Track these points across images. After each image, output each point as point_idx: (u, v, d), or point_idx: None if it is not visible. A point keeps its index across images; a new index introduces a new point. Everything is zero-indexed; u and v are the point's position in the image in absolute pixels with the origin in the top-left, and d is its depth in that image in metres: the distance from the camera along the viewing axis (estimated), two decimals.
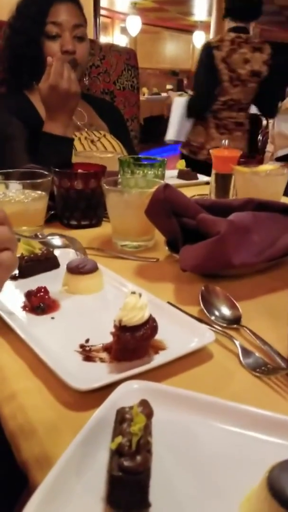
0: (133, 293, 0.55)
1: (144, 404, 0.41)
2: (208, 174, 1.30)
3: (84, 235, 0.98)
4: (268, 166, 1.12)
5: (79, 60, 1.35)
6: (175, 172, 1.57)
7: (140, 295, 0.55)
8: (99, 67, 1.89)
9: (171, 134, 3.10)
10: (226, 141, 1.17)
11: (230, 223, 0.73)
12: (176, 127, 2.91)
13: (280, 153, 2.86)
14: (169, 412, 0.44)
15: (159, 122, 5.01)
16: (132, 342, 0.52)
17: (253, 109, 3.26)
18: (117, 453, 0.36)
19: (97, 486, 0.36)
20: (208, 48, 2.31)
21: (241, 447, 0.41)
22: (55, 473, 0.35)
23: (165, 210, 0.78)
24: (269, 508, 0.33)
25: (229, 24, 2.38)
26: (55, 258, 0.78)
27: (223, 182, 1.18)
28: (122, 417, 0.39)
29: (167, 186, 0.78)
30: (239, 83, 2.33)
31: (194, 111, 2.46)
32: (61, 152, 1.21)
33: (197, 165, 1.75)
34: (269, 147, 3.16)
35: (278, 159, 2.79)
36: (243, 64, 2.30)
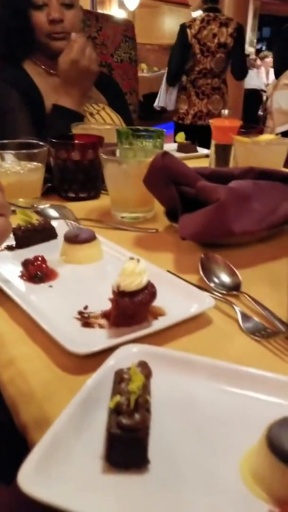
0: (131, 259, 0.54)
1: (143, 365, 0.41)
2: (196, 136, 1.31)
3: (82, 208, 0.96)
4: (268, 136, 1.10)
5: (68, 29, 1.32)
6: (174, 146, 1.54)
7: (138, 260, 0.54)
8: (95, 39, 1.84)
9: (158, 100, 3.57)
10: (226, 111, 1.15)
11: (230, 190, 0.71)
12: (163, 95, 3.32)
13: (279, 129, 2.82)
14: (168, 374, 0.44)
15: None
16: (131, 307, 0.52)
17: (252, 85, 3.49)
18: (116, 411, 0.35)
19: (96, 444, 0.36)
20: (182, 28, 2.85)
21: (240, 407, 0.41)
22: (53, 431, 0.35)
23: (164, 178, 0.77)
24: (269, 464, 0.33)
25: (203, 5, 2.89)
26: (52, 229, 0.77)
27: (223, 153, 1.16)
28: (120, 378, 0.39)
29: (165, 153, 0.77)
30: (209, 54, 2.86)
31: (170, 80, 3.04)
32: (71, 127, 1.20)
33: (185, 129, 2.26)
34: (269, 123, 3.12)
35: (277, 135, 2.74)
36: (212, 38, 2.84)
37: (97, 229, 0.81)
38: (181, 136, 1.56)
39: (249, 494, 0.33)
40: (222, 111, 1.15)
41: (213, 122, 1.18)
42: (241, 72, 3.15)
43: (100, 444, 0.36)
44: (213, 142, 1.19)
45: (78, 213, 0.89)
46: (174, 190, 0.76)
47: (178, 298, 0.59)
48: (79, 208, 0.94)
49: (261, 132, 1.14)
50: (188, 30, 2.81)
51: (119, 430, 0.34)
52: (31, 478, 0.31)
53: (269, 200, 0.78)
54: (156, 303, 0.56)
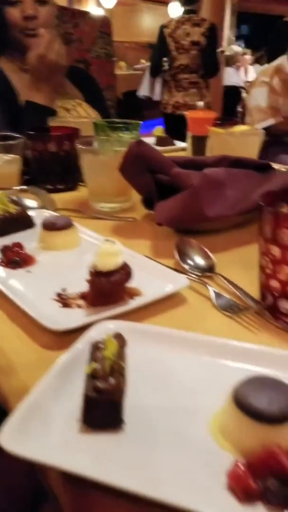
0: (107, 240, 0.56)
1: (118, 336, 0.43)
2: (175, 124, 1.34)
3: (60, 199, 0.98)
4: (243, 127, 1.13)
5: (41, 25, 1.33)
6: (152, 139, 1.56)
7: (114, 242, 0.56)
8: (72, 35, 1.85)
9: (142, 90, 4.13)
10: (202, 102, 1.17)
11: (204, 176, 0.74)
12: (146, 84, 3.90)
13: (258, 126, 2.87)
14: (143, 345, 0.46)
15: (135, 98, 4.93)
16: (107, 287, 0.54)
17: (232, 82, 3.73)
18: (92, 376, 0.37)
19: (74, 408, 0.38)
20: (161, 28, 3.32)
21: (210, 373, 0.43)
22: (33, 395, 0.36)
23: (139, 166, 0.79)
24: (236, 419, 0.36)
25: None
26: (29, 217, 0.78)
27: (199, 144, 1.18)
28: (96, 347, 0.41)
29: (140, 142, 0.79)
30: (183, 51, 3.24)
31: (152, 73, 3.63)
32: (45, 122, 1.20)
33: (166, 116, 3.02)
34: (247, 119, 3.17)
35: None
36: (185, 37, 3.21)
37: (75, 218, 0.83)
38: (159, 130, 1.58)
39: (218, 448, 0.35)
40: (197, 102, 1.18)
41: (188, 113, 1.20)
42: (211, 69, 3.38)
43: (77, 408, 0.38)
44: (189, 134, 1.21)
45: (56, 204, 0.90)
46: (149, 178, 0.78)
47: (153, 279, 0.61)
48: (57, 199, 0.95)
49: (236, 124, 1.17)
50: (164, 30, 3.26)
51: (95, 393, 0.36)
52: (11, 436, 0.32)
53: (241, 187, 0.81)
54: (132, 284, 0.58)
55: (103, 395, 0.36)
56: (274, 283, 0.56)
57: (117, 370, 0.38)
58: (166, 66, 3.40)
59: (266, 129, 2.87)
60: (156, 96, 3.72)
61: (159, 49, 3.36)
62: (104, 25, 1.96)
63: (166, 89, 3.46)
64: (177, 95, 3.34)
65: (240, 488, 0.31)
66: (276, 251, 0.54)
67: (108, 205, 0.93)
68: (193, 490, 0.32)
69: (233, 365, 0.44)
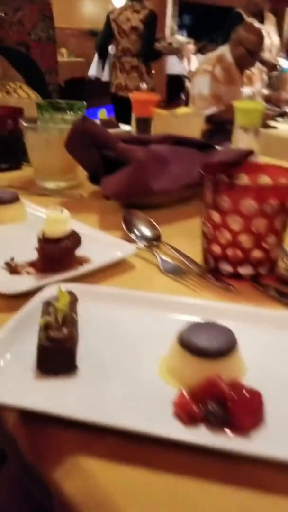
0: (55, 209, 0.57)
1: (70, 292, 0.44)
2: (123, 108, 1.35)
3: (4, 178, 0.97)
4: (185, 109, 1.16)
5: None
6: (97, 122, 1.57)
7: (62, 210, 0.57)
8: (13, 17, 1.81)
9: (91, 70, 4.51)
10: (144, 84, 1.19)
11: (148, 151, 0.77)
12: (95, 65, 4.28)
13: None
14: (93, 304, 0.48)
15: (82, 85, 4.87)
16: (56, 253, 0.55)
17: (175, 70, 3.85)
18: (45, 328, 0.39)
19: (29, 359, 0.39)
20: (107, 14, 3.56)
21: (158, 324, 0.46)
22: None
23: (85, 142, 0.80)
24: (180, 358, 0.39)
25: None
26: None
27: (143, 125, 1.21)
28: (48, 304, 0.42)
29: (85, 118, 0.80)
30: (124, 36, 3.45)
31: (98, 55, 4.00)
32: None
33: (114, 100, 2.99)
34: (190, 107, 3.24)
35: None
36: (126, 22, 3.42)
37: (21, 196, 0.83)
38: (102, 113, 1.59)
39: (166, 385, 0.39)
40: (141, 85, 1.20)
41: (132, 95, 1.22)
42: (148, 55, 3.54)
43: (33, 358, 0.39)
44: (133, 116, 1.23)
45: (0, 183, 0.90)
46: (95, 153, 0.80)
47: (102, 248, 0.64)
48: (1, 179, 0.95)
49: (179, 106, 1.21)
50: (110, 15, 3.51)
51: (48, 342, 0.38)
52: None
53: (185, 163, 0.85)
54: (82, 252, 0.60)
55: (56, 343, 0.38)
56: (215, 247, 0.60)
57: (69, 321, 0.40)
58: (113, 49, 3.62)
59: (209, 117, 2.96)
60: (105, 77, 4.03)
61: (104, 33, 3.64)
62: (45, 8, 1.93)
63: (113, 71, 3.69)
64: (120, 77, 3.55)
65: (184, 413, 0.35)
66: (216, 217, 0.58)
67: (54, 183, 0.93)
68: (142, 417, 0.35)
69: (178, 317, 0.47)
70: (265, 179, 0.63)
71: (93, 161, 0.81)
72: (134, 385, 0.38)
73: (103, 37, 3.75)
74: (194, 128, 1.12)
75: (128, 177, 0.74)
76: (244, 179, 0.65)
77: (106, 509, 0.30)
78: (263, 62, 3.14)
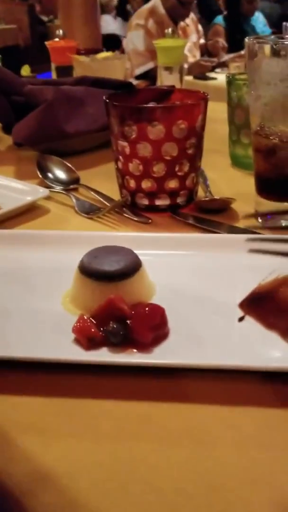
0: None
1: None
2: None
3: None
4: (105, 53, 1.11)
5: None
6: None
7: None
8: None
9: None
10: (61, 31, 1.12)
11: (58, 90, 0.72)
12: None
13: (138, 71, 2.86)
14: (2, 249, 0.45)
15: (16, 53, 4.59)
16: None
17: (110, 30, 3.44)
18: None
19: None
20: None
21: (65, 261, 0.43)
22: None
23: None
24: (81, 285, 0.37)
25: None
26: None
27: (64, 75, 1.14)
28: None
29: None
30: None
31: None
32: None
33: None
34: (127, 64, 3.13)
35: (137, 78, 2.79)
36: None
37: None
38: (25, 69, 1.50)
39: (69, 314, 0.36)
40: (56, 31, 1.13)
41: (49, 43, 1.15)
42: None
43: None
44: (53, 65, 1.17)
45: None
46: (3, 99, 0.74)
47: (13, 194, 0.60)
48: None
49: (99, 51, 1.15)
50: None
51: None
52: None
53: (101, 105, 0.80)
54: None
55: None
56: (130, 181, 0.57)
57: None
58: None
59: (147, 73, 2.88)
60: None
61: None
62: None
63: None
64: None
65: (84, 337, 0.33)
66: (126, 147, 0.55)
67: None
68: (41, 347, 0.33)
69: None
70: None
71: (2, 109, 0.75)
72: (35, 319, 0.36)
73: None
74: (116, 72, 1.07)
75: (37, 120, 0.69)
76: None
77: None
78: None
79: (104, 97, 0.56)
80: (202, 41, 3.28)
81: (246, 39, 0.47)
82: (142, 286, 0.38)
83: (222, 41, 3.15)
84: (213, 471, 0.25)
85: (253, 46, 0.47)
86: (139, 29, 2.91)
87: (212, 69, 3.04)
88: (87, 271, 0.36)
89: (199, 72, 2.81)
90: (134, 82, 2.43)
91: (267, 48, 0.46)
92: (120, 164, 0.58)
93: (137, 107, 0.56)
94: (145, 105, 0.58)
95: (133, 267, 0.37)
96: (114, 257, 0.37)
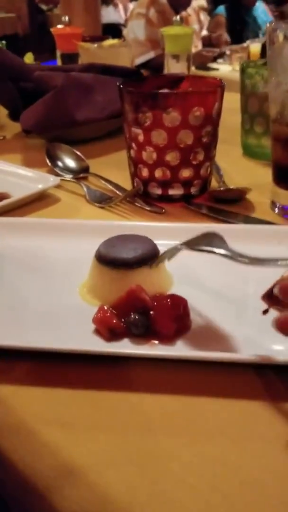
0: None
1: None
2: None
3: None
4: (112, 41, 1.09)
5: None
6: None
7: None
8: None
9: None
10: (67, 17, 1.10)
11: (68, 77, 0.70)
12: None
13: (138, 60, 2.83)
14: (19, 238, 0.44)
15: (15, 42, 4.52)
16: None
17: (110, 20, 3.36)
18: None
19: None
20: None
21: (82, 250, 0.42)
22: None
23: (0, 75, 0.72)
24: (98, 274, 0.36)
25: None
26: None
27: (70, 62, 1.12)
28: None
29: None
30: None
31: None
32: None
33: None
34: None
35: (138, 68, 2.76)
36: None
37: None
38: (29, 57, 1.47)
39: (88, 305, 0.35)
40: (62, 18, 1.11)
41: (54, 30, 1.13)
42: None
43: None
44: (58, 53, 1.15)
45: None
46: (11, 86, 0.72)
47: (23, 182, 0.59)
48: None
49: (105, 39, 1.13)
50: None
51: None
52: None
53: (111, 92, 0.78)
54: (1, 189, 0.55)
55: None
56: (143, 170, 0.56)
57: None
58: None
59: (147, 63, 2.85)
60: None
61: None
62: None
63: None
64: None
65: (105, 328, 0.32)
66: (140, 134, 0.54)
67: None
68: (59, 338, 0.32)
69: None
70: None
71: (10, 95, 0.74)
72: (52, 309, 0.35)
73: None
74: (122, 59, 1.05)
75: (47, 107, 0.68)
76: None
77: (18, 432, 0.27)
78: None
79: (118, 83, 0.55)
80: (204, 32, 3.24)
81: (267, 24, 0.46)
82: (160, 275, 0.37)
83: (226, 36, 3.11)
84: (247, 467, 0.24)
85: (273, 32, 0.45)
86: (140, 18, 2.87)
87: (214, 60, 3.01)
88: (104, 259, 0.35)
89: (200, 62, 2.79)
90: None
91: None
92: (133, 152, 0.56)
93: (153, 93, 0.55)
94: (161, 91, 0.57)
95: (151, 254, 0.36)
96: (132, 245, 0.36)
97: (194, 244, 0.32)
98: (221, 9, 3.59)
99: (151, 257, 0.35)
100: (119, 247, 0.36)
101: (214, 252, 0.31)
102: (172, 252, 0.34)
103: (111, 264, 0.35)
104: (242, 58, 2.75)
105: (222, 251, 0.31)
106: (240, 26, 3.42)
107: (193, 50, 2.97)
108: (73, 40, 1.08)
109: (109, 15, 6.23)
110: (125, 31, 3.97)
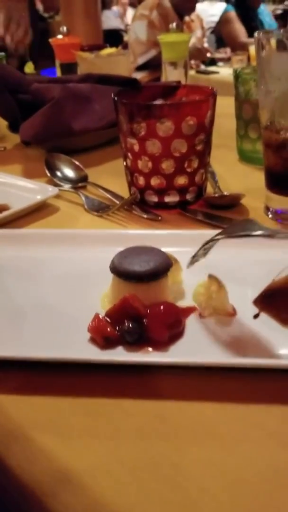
0: None
1: None
2: None
3: None
4: (109, 49, 1.10)
5: None
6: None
7: None
8: None
9: None
10: (65, 28, 1.12)
11: (65, 88, 0.72)
12: None
13: (141, 60, 2.84)
14: (14, 248, 0.45)
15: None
16: None
17: (111, 25, 3.37)
18: None
19: None
20: None
21: (92, 261, 0.43)
22: None
23: None
24: (115, 285, 0.37)
25: None
26: None
27: (68, 71, 1.14)
28: None
29: None
30: None
31: None
32: None
33: None
34: (130, 58, 3.11)
35: (140, 68, 2.77)
36: None
37: None
38: (29, 66, 1.50)
39: (83, 314, 0.36)
40: (61, 28, 1.12)
41: (53, 41, 1.14)
42: None
43: None
44: (57, 62, 1.16)
45: None
46: (9, 98, 0.74)
47: (22, 193, 0.60)
48: None
49: (103, 48, 1.14)
50: None
51: None
52: None
53: (109, 101, 0.80)
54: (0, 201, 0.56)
55: None
56: (138, 178, 0.57)
57: None
58: None
59: (148, 62, 2.85)
60: None
61: None
62: None
63: None
64: None
65: (99, 336, 0.33)
66: (135, 144, 0.55)
67: None
68: (59, 347, 0.33)
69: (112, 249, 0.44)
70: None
71: (9, 107, 0.75)
72: (49, 319, 0.36)
73: None
74: (120, 68, 1.07)
75: (45, 118, 0.69)
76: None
77: (16, 439, 0.28)
78: None
79: (112, 95, 0.56)
80: (206, 40, 3.26)
81: (255, 33, 0.47)
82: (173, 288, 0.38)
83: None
84: (236, 469, 0.25)
85: (261, 40, 0.46)
86: (143, 19, 2.88)
87: (213, 63, 3.03)
88: (116, 271, 0.36)
89: (197, 58, 2.81)
90: (137, 74, 2.41)
91: (275, 42, 0.45)
92: (129, 162, 0.57)
93: (146, 104, 0.56)
94: (154, 102, 0.58)
95: (163, 267, 0.37)
96: (145, 257, 0.37)
97: (230, 232, 0.34)
98: (229, 7, 3.62)
99: (162, 270, 0.36)
100: (134, 260, 0.36)
101: (251, 235, 0.32)
102: (210, 245, 0.35)
103: (123, 276, 0.36)
104: (242, 60, 2.76)
105: (259, 232, 0.32)
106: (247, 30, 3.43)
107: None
108: (72, 50, 1.10)
109: (109, 21, 6.28)
110: (126, 37, 3.98)
